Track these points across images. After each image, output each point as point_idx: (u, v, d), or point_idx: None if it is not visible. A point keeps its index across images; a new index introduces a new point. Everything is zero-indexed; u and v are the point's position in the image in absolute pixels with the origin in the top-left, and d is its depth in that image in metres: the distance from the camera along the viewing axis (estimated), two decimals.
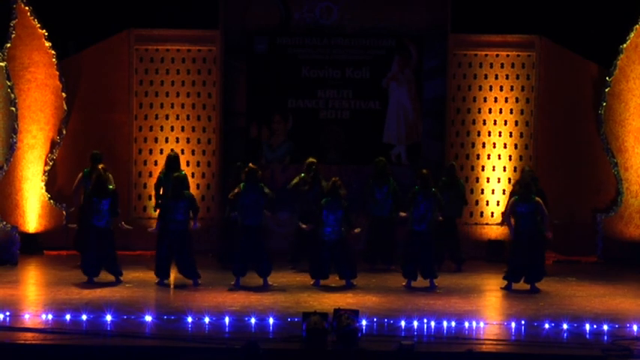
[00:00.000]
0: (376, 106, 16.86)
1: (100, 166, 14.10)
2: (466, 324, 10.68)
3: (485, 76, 16.90)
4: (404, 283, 13.44)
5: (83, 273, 13.39)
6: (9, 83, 15.50)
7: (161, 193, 14.65)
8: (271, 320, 10.49)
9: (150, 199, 16.57)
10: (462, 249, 15.29)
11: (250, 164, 13.62)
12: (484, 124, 16.90)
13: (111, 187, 13.59)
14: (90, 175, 14.59)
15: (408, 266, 13.45)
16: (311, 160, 14.95)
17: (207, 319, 10.55)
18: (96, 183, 13.50)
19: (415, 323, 10.58)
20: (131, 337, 9.87)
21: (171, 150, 16.00)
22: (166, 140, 16.83)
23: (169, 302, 12.29)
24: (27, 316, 10.77)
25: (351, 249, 13.63)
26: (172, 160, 14.75)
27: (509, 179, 16.71)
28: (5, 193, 15.89)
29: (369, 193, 14.86)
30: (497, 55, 16.88)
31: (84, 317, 10.62)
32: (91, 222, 13.39)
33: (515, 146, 16.88)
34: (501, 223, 16.03)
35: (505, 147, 16.88)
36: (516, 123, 16.88)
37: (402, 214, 14.00)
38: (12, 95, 15.53)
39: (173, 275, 13.49)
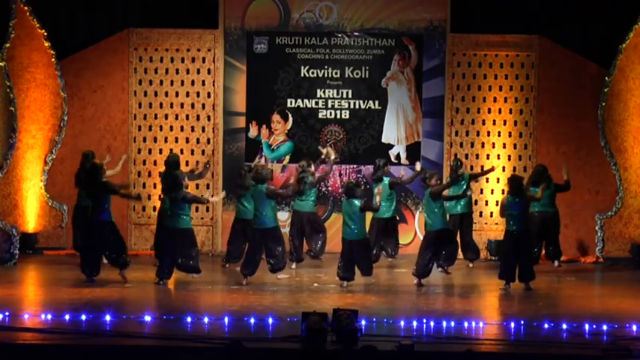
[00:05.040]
0: (375, 106, 16.86)
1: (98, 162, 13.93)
2: (465, 324, 10.67)
3: (485, 76, 16.88)
4: (414, 282, 13.43)
5: (82, 272, 13.43)
6: (8, 83, 15.48)
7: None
8: (270, 320, 10.50)
9: (149, 198, 16.61)
10: (474, 243, 15.49)
11: (255, 165, 13.90)
12: (483, 124, 16.89)
13: (104, 180, 13.55)
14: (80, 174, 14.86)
15: (421, 264, 13.49)
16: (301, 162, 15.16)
17: (206, 319, 10.55)
18: (86, 179, 13.68)
19: (414, 323, 10.58)
20: (131, 337, 9.87)
21: (171, 151, 16.13)
22: (165, 140, 16.81)
23: (169, 302, 12.29)
24: (26, 316, 10.76)
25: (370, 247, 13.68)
26: (170, 162, 14.70)
27: None
28: (4, 193, 15.86)
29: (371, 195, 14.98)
30: (496, 55, 16.86)
31: (83, 317, 10.62)
32: (93, 218, 13.44)
33: (515, 146, 16.86)
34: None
35: (504, 147, 16.86)
36: (515, 123, 16.87)
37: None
38: (11, 95, 15.51)
39: (174, 276, 13.49)
